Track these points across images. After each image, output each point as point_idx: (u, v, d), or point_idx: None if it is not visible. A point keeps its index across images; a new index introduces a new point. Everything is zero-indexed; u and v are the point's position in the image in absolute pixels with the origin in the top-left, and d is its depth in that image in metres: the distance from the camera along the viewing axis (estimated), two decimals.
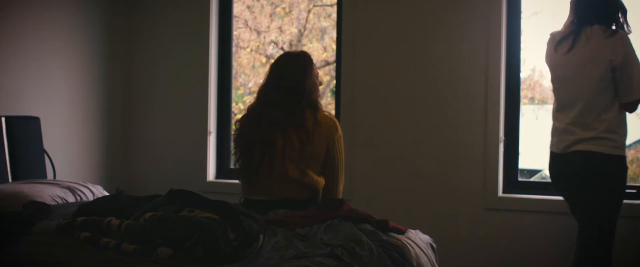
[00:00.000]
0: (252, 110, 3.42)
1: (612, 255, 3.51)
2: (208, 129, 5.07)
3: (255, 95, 3.49)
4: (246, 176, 3.35)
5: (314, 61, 3.47)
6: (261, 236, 2.40)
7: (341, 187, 3.41)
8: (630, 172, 5.75)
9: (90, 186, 4.07)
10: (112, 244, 2.36)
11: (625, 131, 3.52)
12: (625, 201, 3.82)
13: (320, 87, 3.51)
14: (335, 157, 3.32)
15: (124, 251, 2.30)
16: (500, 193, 4.35)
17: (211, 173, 5.11)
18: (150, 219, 2.36)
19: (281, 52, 6.59)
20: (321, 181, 3.32)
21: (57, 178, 4.49)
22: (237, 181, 4.79)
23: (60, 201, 3.69)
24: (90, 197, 3.89)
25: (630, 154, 5.94)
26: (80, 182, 4.10)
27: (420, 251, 2.91)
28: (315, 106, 3.37)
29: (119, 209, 2.65)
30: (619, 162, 3.47)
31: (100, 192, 4.06)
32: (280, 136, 3.27)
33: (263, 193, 3.30)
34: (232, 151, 3.53)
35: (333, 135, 3.31)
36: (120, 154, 5.34)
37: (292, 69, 3.39)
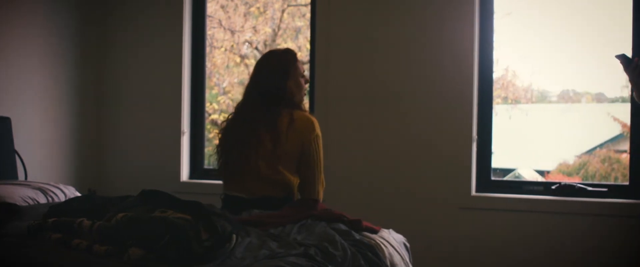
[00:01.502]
0: (235, 110, 3.45)
1: None
2: (182, 129, 5.05)
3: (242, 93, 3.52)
4: (224, 174, 3.39)
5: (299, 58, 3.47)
6: (234, 236, 2.39)
7: (319, 186, 3.35)
8: (602, 171, 5.83)
9: (62, 186, 4.04)
10: (84, 245, 2.35)
11: None
12: (594, 200, 3.87)
13: (307, 85, 3.50)
14: (310, 156, 3.29)
15: (95, 252, 2.29)
16: (473, 192, 4.37)
17: (185, 173, 5.09)
18: (122, 220, 2.34)
19: (255, 52, 6.58)
20: (295, 179, 3.31)
21: (28, 179, 4.44)
22: (211, 181, 4.82)
23: (31, 202, 3.65)
24: (62, 198, 3.85)
25: (601, 153, 6.01)
26: (52, 183, 4.06)
27: (394, 250, 2.92)
28: (296, 106, 3.37)
29: (90, 210, 2.63)
30: None
31: (73, 193, 4.02)
32: (254, 136, 3.29)
33: (239, 191, 3.31)
34: (214, 150, 3.54)
35: (308, 134, 3.29)
36: (93, 155, 5.30)
37: (273, 69, 3.38)
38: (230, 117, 3.46)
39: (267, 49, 6.43)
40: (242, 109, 3.41)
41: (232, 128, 3.40)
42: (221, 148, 3.43)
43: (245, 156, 3.29)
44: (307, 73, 4.75)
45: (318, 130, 3.33)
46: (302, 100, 3.44)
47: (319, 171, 3.34)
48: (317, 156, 3.31)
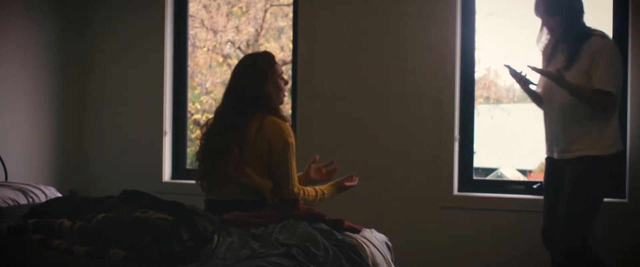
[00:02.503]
0: (214, 114, 3.48)
1: None
2: (164, 129, 5.03)
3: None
4: (200, 179, 3.42)
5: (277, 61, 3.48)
6: (216, 236, 2.38)
7: (292, 187, 3.34)
8: None
9: (43, 187, 4.01)
10: (64, 245, 2.33)
11: None
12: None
13: (287, 87, 3.50)
14: (278, 160, 3.27)
15: (76, 253, 2.27)
16: (455, 191, 4.39)
17: (167, 174, 5.07)
18: (103, 221, 2.32)
19: (238, 51, 6.57)
20: (266, 182, 3.31)
21: (8, 180, 4.41)
22: (193, 182, 4.79)
23: (11, 203, 3.63)
24: (43, 199, 3.83)
25: None
26: (32, 184, 4.04)
27: (376, 250, 2.92)
28: (272, 110, 3.36)
29: (71, 211, 2.60)
30: None
31: (54, 193, 4.00)
32: (225, 141, 3.30)
33: (213, 193, 3.36)
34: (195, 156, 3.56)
35: (276, 139, 3.26)
36: (74, 155, 5.27)
37: (251, 73, 3.38)
38: (209, 122, 3.48)
39: (250, 49, 6.43)
40: (219, 114, 3.42)
41: (208, 134, 3.42)
42: (198, 154, 3.45)
43: (216, 160, 3.32)
44: (289, 73, 4.76)
45: (288, 137, 3.29)
46: (280, 103, 3.44)
47: (289, 174, 3.30)
48: (286, 160, 3.27)
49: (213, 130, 3.40)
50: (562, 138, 3.65)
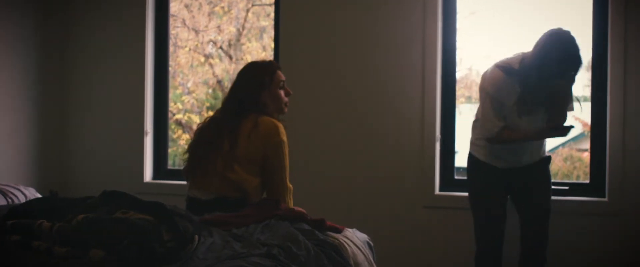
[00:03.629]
0: (213, 114, 3.56)
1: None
2: (145, 129, 5.01)
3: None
4: (187, 172, 3.47)
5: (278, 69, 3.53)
6: (196, 236, 2.38)
7: (283, 189, 3.38)
8: (564, 170, 5.90)
9: (22, 188, 3.98)
10: (44, 247, 2.31)
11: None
12: (556, 198, 3.92)
13: (287, 98, 3.54)
14: (272, 160, 3.32)
15: (55, 254, 2.25)
16: (437, 191, 4.40)
17: (148, 174, 5.05)
18: (83, 221, 2.31)
19: (220, 51, 6.55)
20: (252, 180, 3.32)
21: None
22: (175, 182, 4.80)
23: None
24: (23, 200, 3.79)
25: (564, 152, 6.08)
26: (12, 184, 4.00)
27: (358, 250, 2.91)
28: (268, 115, 3.40)
29: (51, 212, 2.58)
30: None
31: (33, 194, 3.97)
32: (217, 137, 3.37)
33: (198, 190, 3.37)
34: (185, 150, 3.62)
35: (271, 139, 3.31)
36: (54, 155, 5.23)
37: (250, 80, 3.46)
38: (206, 120, 3.55)
39: (232, 49, 6.41)
40: (216, 114, 3.51)
41: (201, 130, 3.50)
42: (189, 147, 3.52)
43: (206, 154, 3.37)
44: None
45: (282, 136, 3.35)
46: (280, 112, 3.51)
47: (282, 175, 3.36)
48: (280, 161, 3.34)
49: (206, 127, 3.47)
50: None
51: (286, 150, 3.38)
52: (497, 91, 3.63)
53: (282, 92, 3.50)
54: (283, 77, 3.51)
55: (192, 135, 3.60)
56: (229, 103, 3.46)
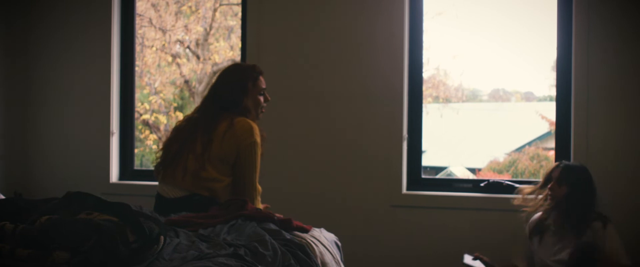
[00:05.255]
0: (190, 113, 3.57)
1: None
2: (111, 129, 4.97)
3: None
4: (158, 168, 3.47)
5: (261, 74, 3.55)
6: (162, 237, 2.36)
7: (251, 189, 3.39)
8: (531, 168, 5.97)
9: None
10: (6, 249, 2.27)
11: None
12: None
13: (265, 104, 3.56)
14: (244, 160, 3.33)
15: (18, 256, 2.22)
16: (404, 190, 4.42)
17: (114, 175, 5.01)
18: (46, 223, 2.28)
19: (188, 51, 6.53)
20: (222, 179, 3.33)
21: None
22: (141, 182, 4.77)
23: None
24: None
25: (530, 151, 6.16)
26: None
27: (325, 249, 2.92)
28: (245, 116, 3.42)
29: (13, 213, 2.55)
30: None
31: None
32: (192, 136, 3.38)
33: (168, 186, 3.37)
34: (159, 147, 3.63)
35: (245, 139, 3.32)
36: (18, 156, 5.17)
37: (233, 83, 3.47)
38: (184, 119, 3.57)
39: (200, 49, 6.39)
40: (194, 113, 3.52)
41: (178, 129, 3.51)
42: (163, 145, 3.52)
43: (179, 152, 3.38)
44: None
45: (256, 137, 3.36)
46: (256, 117, 3.50)
47: (252, 176, 3.37)
48: (252, 162, 3.36)
49: (183, 126, 3.48)
50: None
51: (258, 151, 3.39)
52: None
53: (261, 98, 3.52)
54: (264, 85, 3.54)
55: (168, 133, 3.60)
56: (209, 103, 3.47)
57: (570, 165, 3.74)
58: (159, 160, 3.49)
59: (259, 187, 3.45)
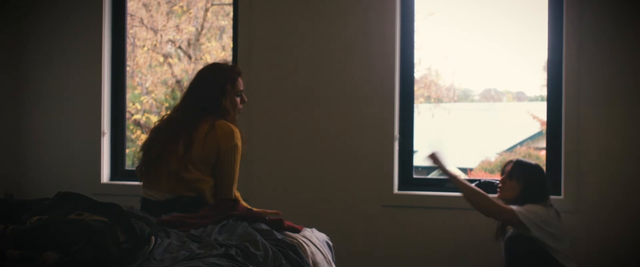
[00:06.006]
0: (170, 112, 3.54)
1: None
2: (102, 129, 4.95)
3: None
4: (141, 171, 3.44)
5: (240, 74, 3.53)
6: (153, 237, 2.35)
7: (234, 188, 3.40)
8: None
9: None
10: None
11: None
12: None
13: (241, 106, 3.55)
14: (225, 163, 3.33)
15: (8, 257, 2.21)
16: (395, 190, 4.42)
17: (105, 175, 5.00)
18: (37, 223, 2.28)
19: (179, 51, 6.51)
20: (207, 180, 3.33)
21: None
22: (132, 183, 4.75)
23: None
24: None
25: (522, 151, 6.17)
26: None
27: (316, 249, 2.92)
28: (224, 118, 3.39)
29: (4, 214, 2.55)
30: None
31: None
32: (173, 138, 3.35)
33: (153, 190, 3.35)
34: (139, 148, 3.60)
35: (226, 143, 3.32)
36: (8, 156, 5.15)
37: (212, 83, 3.45)
38: (164, 118, 3.52)
39: (191, 49, 6.38)
40: (173, 113, 3.49)
41: (157, 130, 3.47)
42: (143, 146, 3.49)
43: (160, 154, 3.36)
44: None
45: (237, 141, 3.35)
46: (235, 118, 3.48)
47: (230, 180, 3.37)
48: (232, 165, 3.36)
49: (163, 127, 3.44)
50: None
51: (238, 156, 3.38)
52: None
53: (238, 100, 3.51)
54: (242, 86, 3.52)
55: (147, 134, 3.57)
56: (189, 103, 3.44)
57: (523, 161, 3.80)
58: (139, 163, 3.47)
59: (237, 193, 3.45)
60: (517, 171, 3.75)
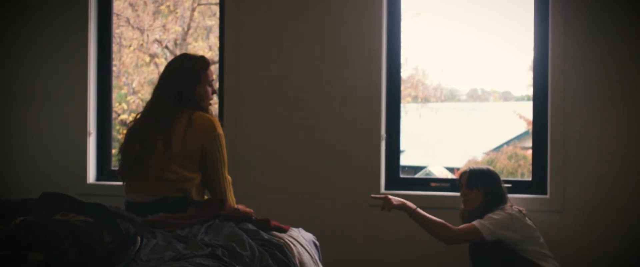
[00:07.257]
0: (143, 110, 3.47)
1: None
2: (88, 129, 4.93)
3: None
4: (123, 175, 3.40)
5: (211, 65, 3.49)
6: (139, 238, 2.35)
7: (225, 185, 3.38)
8: (509, 167, 5.99)
9: None
10: None
11: None
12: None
13: (214, 96, 3.52)
14: (212, 155, 3.30)
15: None
16: (382, 190, 4.42)
17: (91, 175, 4.97)
18: (22, 224, 2.27)
19: (166, 51, 6.49)
20: (193, 177, 3.30)
21: None
22: (119, 183, 4.72)
23: None
24: None
25: (508, 150, 6.19)
26: None
27: (303, 249, 2.92)
28: (201, 109, 3.37)
29: None
30: None
31: None
32: (151, 137, 3.30)
33: (137, 193, 3.32)
34: (118, 151, 3.54)
35: (208, 134, 3.29)
36: None
37: (184, 72, 3.41)
38: (137, 116, 3.47)
39: (178, 48, 6.36)
40: (147, 110, 3.43)
41: (134, 129, 3.41)
42: (122, 148, 3.44)
43: (140, 156, 3.31)
44: (216, 73, 4.71)
45: (219, 130, 3.33)
46: (208, 106, 3.45)
47: (220, 168, 3.35)
48: (219, 155, 3.34)
49: (138, 126, 3.39)
50: None
51: (223, 143, 3.36)
52: None
53: (209, 90, 3.48)
54: (213, 76, 3.49)
55: (124, 136, 3.51)
56: (162, 97, 3.39)
57: (476, 169, 3.86)
58: (120, 166, 3.42)
59: (229, 178, 3.43)
60: (474, 180, 3.80)
